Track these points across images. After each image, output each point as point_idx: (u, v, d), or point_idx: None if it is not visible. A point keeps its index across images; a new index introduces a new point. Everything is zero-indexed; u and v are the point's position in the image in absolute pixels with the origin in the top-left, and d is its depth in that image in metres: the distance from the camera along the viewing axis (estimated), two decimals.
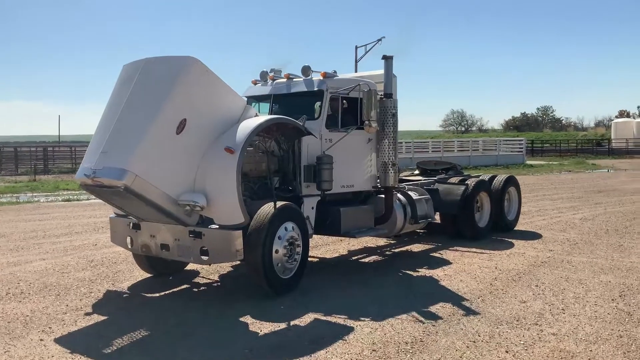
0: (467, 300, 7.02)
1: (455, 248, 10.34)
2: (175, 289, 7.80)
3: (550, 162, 40.69)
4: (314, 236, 8.98)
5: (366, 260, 9.72)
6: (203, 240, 6.94)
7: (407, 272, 8.63)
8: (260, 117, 7.70)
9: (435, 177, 12.11)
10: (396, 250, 10.47)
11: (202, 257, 6.99)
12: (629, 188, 21.94)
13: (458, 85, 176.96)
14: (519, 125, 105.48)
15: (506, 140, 44.87)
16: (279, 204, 7.15)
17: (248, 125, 7.20)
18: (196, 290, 7.86)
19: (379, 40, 35.37)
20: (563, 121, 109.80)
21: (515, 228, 12.32)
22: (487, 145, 41.90)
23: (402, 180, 11.12)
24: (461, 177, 11.72)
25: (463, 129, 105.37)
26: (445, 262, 9.22)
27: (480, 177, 11.93)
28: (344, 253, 10.24)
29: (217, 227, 6.95)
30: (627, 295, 7.18)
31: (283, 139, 8.16)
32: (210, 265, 8.06)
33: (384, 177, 9.06)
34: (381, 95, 9.00)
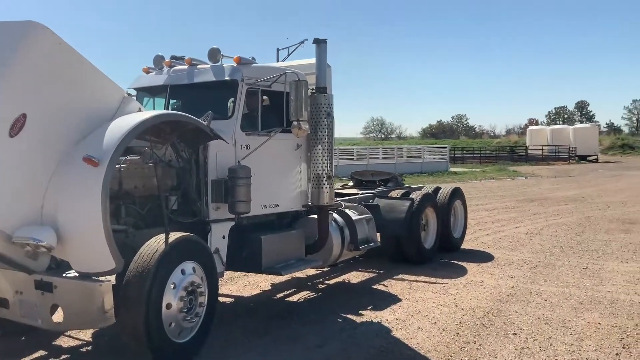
0: None
1: (400, 276, 8.57)
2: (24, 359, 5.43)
3: (473, 169, 40.50)
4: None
5: (295, 298, 7.71)
6: (55, 296, 4.67)
7: (349, 316, 6.71)
8: (144, 113, 5.48)
9: (373, 189, 10.36)
10: (331, 282, 8.54)
11: (55, 319, 4.70)
12: (559, 196, 21.38)
13: (375, 93, 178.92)
14: (435, 132, 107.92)
15: (430, 148, 44.53)
16: (174, 235, 5.02)
17: (123, 124, 4.94)
18: None
19: (302, 42, 33.66)
20: (476, 129, 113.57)
21: (462, 247, 10.84)
22: (411, 153, 41.24)
23: (335, 195, 9.23)
24: (403, 190, 10.00)
25: (383, 136, 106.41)
26: (394, 299, 7.39)
27: (424, 190, 10.29)
28: (267, 288, 8.18)
29: (76, 275, 4.71)
30: (630, 345, 5.63)
31: (183, 144, 6.02)
32: (67, 330, 5.73)
33: (317, 193, 7.13)
34: (312, 89, 7.09)
